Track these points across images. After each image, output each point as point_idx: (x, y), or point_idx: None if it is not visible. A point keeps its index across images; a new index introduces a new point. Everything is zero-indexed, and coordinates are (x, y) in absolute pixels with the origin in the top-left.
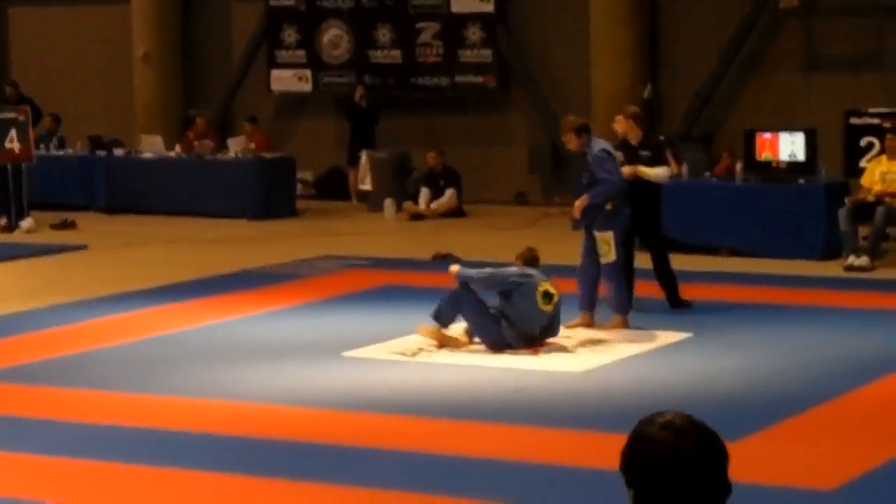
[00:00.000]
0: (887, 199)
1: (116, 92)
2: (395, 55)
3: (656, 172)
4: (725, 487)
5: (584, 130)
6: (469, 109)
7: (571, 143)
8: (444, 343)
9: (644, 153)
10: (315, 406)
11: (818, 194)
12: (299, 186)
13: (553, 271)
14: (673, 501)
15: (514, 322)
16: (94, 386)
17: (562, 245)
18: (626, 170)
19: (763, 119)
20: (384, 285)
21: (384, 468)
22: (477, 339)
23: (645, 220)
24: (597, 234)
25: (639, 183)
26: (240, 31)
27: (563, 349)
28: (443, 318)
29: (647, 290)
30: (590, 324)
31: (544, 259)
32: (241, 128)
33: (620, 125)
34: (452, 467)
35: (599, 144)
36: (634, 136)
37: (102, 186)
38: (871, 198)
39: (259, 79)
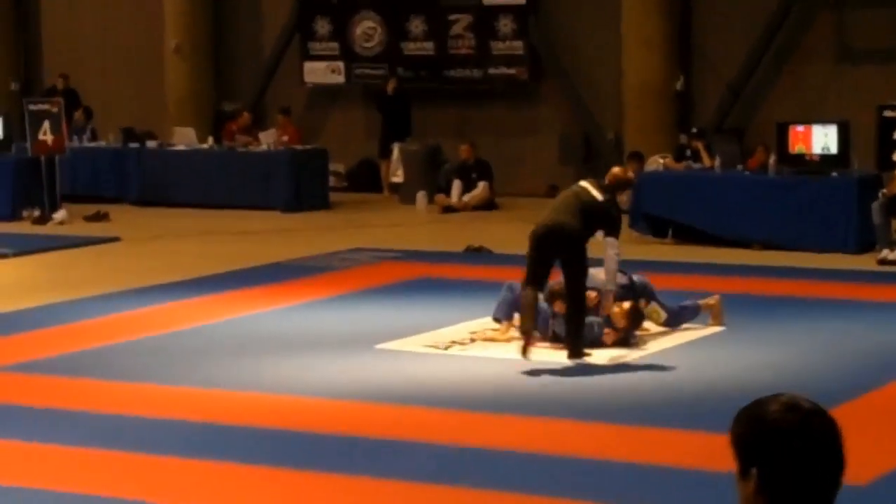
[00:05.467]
0: None
1: (148, 84)
2: (428, 47)
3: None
4: (844, 464)
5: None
6: (501, 101)
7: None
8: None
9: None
10: (347, 398)
11: (851, 187)
12: (331, 178)
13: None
14: (803, 479)
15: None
16: (124, 378)
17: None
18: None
19: (795, 111)
20: (416, 278)
21: (415, 460)
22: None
23: None
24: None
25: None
26: (272, 23)
27: None
28: (499, 315)
29: (678, 283)
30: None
31: None
32: (273, 120)
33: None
34: (483, 460)
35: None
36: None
37: (135, 178)
38: None
39: (292, 71)
